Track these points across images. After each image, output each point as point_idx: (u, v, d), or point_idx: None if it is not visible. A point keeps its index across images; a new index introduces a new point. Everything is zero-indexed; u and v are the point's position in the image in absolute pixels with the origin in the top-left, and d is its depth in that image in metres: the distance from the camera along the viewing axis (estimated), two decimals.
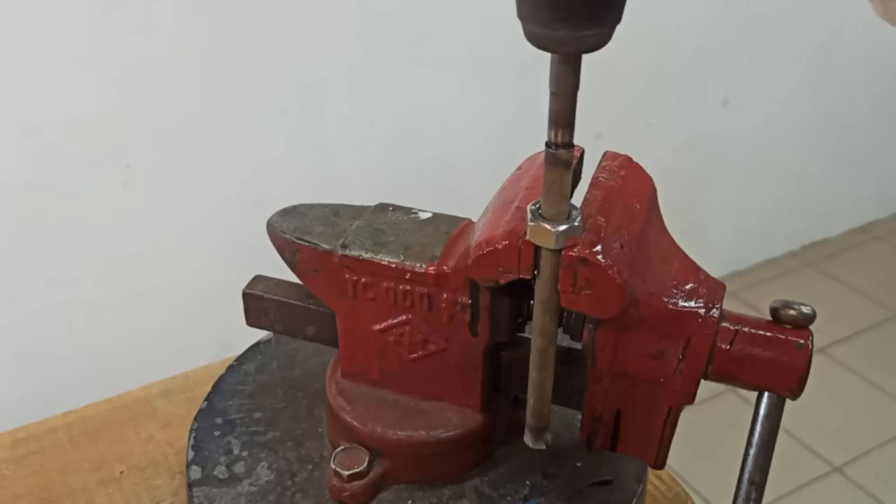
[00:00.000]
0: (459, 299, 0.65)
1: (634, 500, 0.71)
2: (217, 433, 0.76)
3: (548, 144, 0.51)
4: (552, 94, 0.49)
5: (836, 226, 2.99)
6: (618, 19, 0.46)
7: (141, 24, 1.52)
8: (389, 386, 0.72)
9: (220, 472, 0.72)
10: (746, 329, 0.60)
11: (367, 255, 0.66)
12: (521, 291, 0.63)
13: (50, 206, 1.58)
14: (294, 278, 0.72)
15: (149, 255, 1.71)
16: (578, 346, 0.66)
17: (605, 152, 0.66)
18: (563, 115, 0.50)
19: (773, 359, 0.59)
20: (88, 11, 1.47)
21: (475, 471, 0.72)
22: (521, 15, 0.46)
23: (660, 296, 0.59)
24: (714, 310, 0.60)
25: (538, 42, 0.47)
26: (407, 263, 0.65)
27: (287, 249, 0.70)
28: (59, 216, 1.60)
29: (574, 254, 0.55)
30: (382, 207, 0.72)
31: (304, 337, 0.76)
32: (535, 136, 0.61)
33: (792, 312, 0.60)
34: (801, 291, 2.67)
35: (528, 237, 0.56)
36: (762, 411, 0.61)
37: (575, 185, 0.64)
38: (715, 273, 0.65)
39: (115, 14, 1.49)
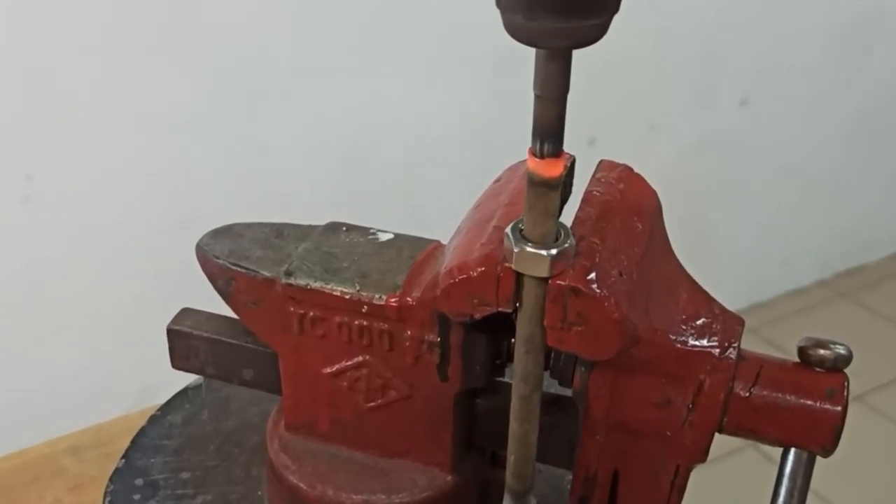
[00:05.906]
0: (426, 337, 0.65)
1: None
2: (137, 497, 0.76)
3: (532, 155, 0.51)
4: (537, 97, 0.49)
5: (874, 250, 3.01)
6: (615, 8, 0.46)
7: (46, 7, 1.51)
8: (343, 440, 0.72)
9: None
10: (769, 372, 0.60)
11: (316, 285, 0.66)
12: (499, 328, 0.63)
13: None
14: (229, 312, 0.72)
15: (54, 284, 1.70)
16: (568, 392, 0.66)
17: (601, 161, 0.67)
18: (549, 122, 0.50)
19: (801, 408, 0.59)
20: None
21: None
22: (500, 4, 0.46)
23: (665, 333, 0.60)
24: (730, 349, 0.60)
25: (521, 36, 0.46)
26: (363, 294, 0.65)
27: (220, 277, 0.70)
28: None
29: (564, 283, 0.55)
30: (334, 227, 0.72)
31: (240, 382, 0.76)
32: (517, 142, 0.62)
33: (824, 353, 0.60)
34: (834, 327, 2.69)
35: (511, 264, 0.55)
36: (788, 470, 0.61)
37: (564, 200, 0.64)
38: (731, 305, 0.65)
39: None
